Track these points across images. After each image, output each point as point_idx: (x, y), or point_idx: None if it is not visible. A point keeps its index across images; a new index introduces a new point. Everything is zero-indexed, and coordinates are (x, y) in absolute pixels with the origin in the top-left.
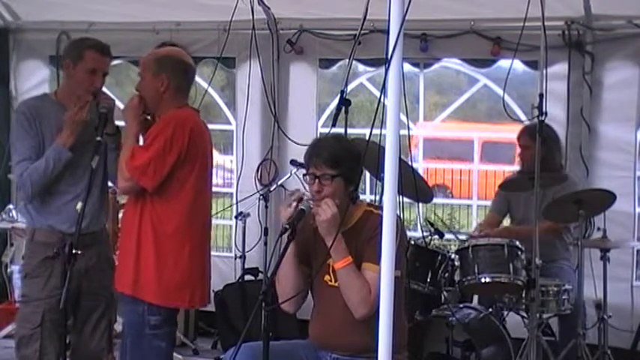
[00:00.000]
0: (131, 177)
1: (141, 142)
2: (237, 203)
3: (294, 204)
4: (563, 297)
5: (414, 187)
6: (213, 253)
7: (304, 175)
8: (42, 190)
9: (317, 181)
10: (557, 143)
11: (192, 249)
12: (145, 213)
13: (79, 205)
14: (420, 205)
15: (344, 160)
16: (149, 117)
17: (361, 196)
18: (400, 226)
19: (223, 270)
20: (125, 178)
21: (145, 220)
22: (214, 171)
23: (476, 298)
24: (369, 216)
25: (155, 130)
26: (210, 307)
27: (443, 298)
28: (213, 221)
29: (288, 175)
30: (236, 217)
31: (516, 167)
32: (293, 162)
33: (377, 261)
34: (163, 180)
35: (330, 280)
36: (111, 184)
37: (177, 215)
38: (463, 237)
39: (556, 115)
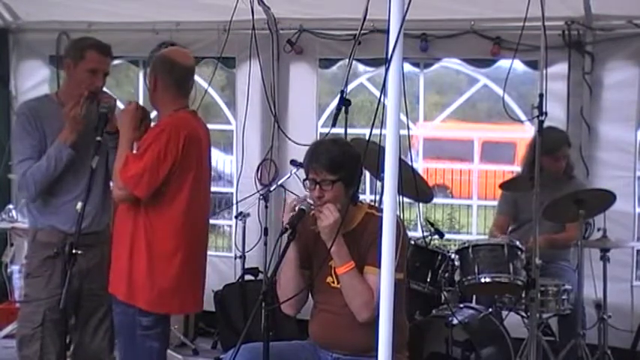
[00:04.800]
0: (125, 186)
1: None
2: (237, 203)
3: (296, 210)
4: (563, 297)
5: (414, 187)
6: (213, 253)
7: (304, 180)
8: (45, 189)
9: (317, 186)
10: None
11: (185, 255)
12: (137, 219)
13: (79, 205)
14: (420, 205)
15: (343, 164)
16: (143, 118)
17: (361, 196)
18: (402, 230)
19: (223, 270)
20: (119, 187)
21: (137, 227)
22: (214, 171)
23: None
24: (370, 219)
25: (149, 138)
26: (210, 307)
27: (443, 298)
28: (214, 221)
29: (288, 175)
30: (236, 217)
31: (517, 168)
32: (293, 162)
33: (379, 265)
34: (157, 188)
35: (333, 282)
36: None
37: (170, 222)
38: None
39: (556, 115)
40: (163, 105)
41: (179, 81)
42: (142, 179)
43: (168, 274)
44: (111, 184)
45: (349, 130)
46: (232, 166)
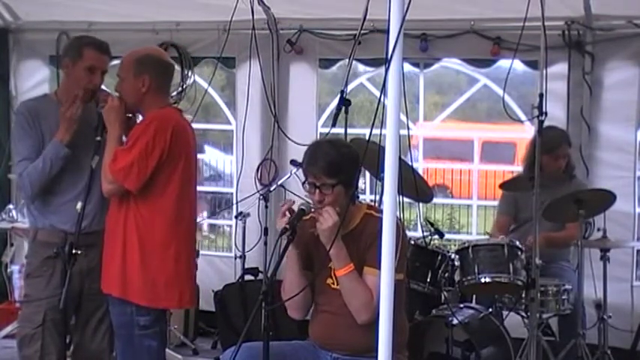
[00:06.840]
0: (115, 179)
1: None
2: (237, 203)
3: (287, 214)
4: (563, 297)
5: (414, 187)
6: (213, 253)
7: (303, 183)
8: (42, 189)
9: (318, 190)
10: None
11: (178, 249)
12: (129, 214)
13: (79, 205)
14: (420, 205)
15: (342, 167)
16: (131, 115)
17: (361, 197)
18: (402, 230)
19: (223, 270)
20: (108, 181)
21: (129, 221)
22: (214, 170)
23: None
24: (369, 219)
25: (137, 132)
26: (210, 307)
27: (443, 298)
28: (214, 221)
29: (288, 175)
30: (236, 217)
31: (517, 168)
32: (293, 162)
33: (378, 266)
34: (146, 181)
35: (333, 284)
36: None
37: (161, 215)
38: None
39: (556, 115)
40: (150, 105)
41: (168, 81)
42: (132, 171)
43: (163, 267)
44: None
45: (349, 130)
46: (232, 166)
